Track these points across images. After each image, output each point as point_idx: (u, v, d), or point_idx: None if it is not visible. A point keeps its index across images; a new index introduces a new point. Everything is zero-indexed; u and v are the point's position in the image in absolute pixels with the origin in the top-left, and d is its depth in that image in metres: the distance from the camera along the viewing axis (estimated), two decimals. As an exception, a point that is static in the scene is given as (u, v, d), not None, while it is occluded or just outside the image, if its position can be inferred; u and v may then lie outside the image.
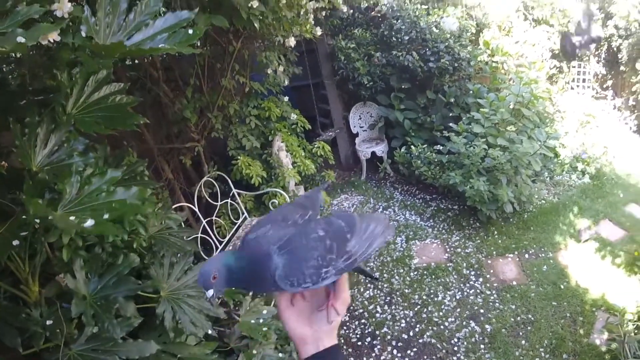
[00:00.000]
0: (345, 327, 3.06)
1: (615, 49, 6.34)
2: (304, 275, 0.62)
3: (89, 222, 1.09)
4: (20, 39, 0.84)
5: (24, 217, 1.21)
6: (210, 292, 0.62)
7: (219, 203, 3.51)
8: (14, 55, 1.44)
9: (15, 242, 1.14)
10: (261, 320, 2.23)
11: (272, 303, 3.22)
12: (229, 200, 3.65)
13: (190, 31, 1.20)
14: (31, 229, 1.25)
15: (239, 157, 3.78)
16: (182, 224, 2.18)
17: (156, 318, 1.64)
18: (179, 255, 1.91)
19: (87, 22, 1.21)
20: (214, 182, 3.54)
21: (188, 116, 3.00)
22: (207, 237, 3.25)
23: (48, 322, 1.33)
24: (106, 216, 1.14)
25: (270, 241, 0.64)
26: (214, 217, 3.44)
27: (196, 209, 3.26)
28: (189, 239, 2.05)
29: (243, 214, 3.77)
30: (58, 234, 1.39)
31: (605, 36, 6.42)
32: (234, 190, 3.74)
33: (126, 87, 1.47)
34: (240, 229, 3.62)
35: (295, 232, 0.66)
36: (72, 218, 1.14)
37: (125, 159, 1.79)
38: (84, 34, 1.23)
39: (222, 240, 3.43)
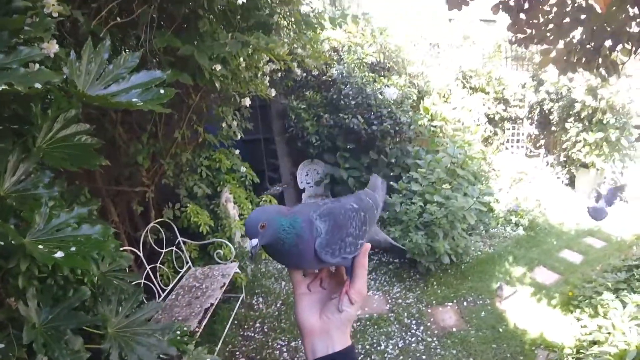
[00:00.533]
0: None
1: (547, 111, 7.20)
2: (345, 244, 0.61)
3: (59, 254, 1.15)
4: (38, 85, 0.93)
5: (-14, 239, 1.22)
6: (255, 242, 0.58)
7: (164, 250, 3.47)
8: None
9: (-21, 262, 1.15)
10: (203, 370, 2.21)
11: (215, 353, 3.16)
12: (174, 248, 3.61)
13: (162, 91, 1.34)
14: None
15: (188, 205, 3.81)
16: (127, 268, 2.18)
17: (102, 355, 1.63)
18: (125, 295, 1.91)
19: (71, 65, 1.31)
20: (160, 229, 3.52)
21: (140, 161, 3.03)
22: (150, 284, 3.18)
23: (0, 345, 1.31)
24: (73, 249, 1.19)
25: (311, 209, 0.63)
26: (157, 264, 3.38)
27: (141, 255, 3.20)
28: (132, 284, 2.06)
29: (187, 263, 3.73)
30: (16, 260, 1.39)
31: (537, 100, 7.29)
32: (180, 239, 3.71)
33: (91, 129, 1.55)
34: (184, 278, 3.57)
35: (332, 204, 0.65)
36: (40, 247, 1.18)
37: (79, 196, 1.83)
38: (65, 76, 1.33)
39: (165, 288, 3.36)
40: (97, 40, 1.46)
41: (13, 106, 1.59)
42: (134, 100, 1.23)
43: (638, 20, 2.23)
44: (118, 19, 1.78)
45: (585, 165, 6.60)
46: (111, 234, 1.34)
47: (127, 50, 2.23)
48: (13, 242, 1.26)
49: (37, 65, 1.19)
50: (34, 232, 1.23)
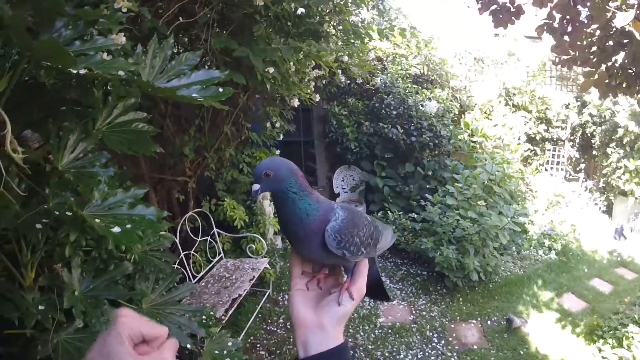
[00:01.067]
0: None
1: (589, 134, 6.97)
2: (352, 240, 0.62)
3: (117, 229, 1.26)
4: (121, 73, 1.04)
5: (45, 207, 1.36)
6: (256, 187, 0.60)
7: (199, 239, 3.62)
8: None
9: (38, 226, 1.28)
10: (225, 352, 2.30)
11: (240, 337, 3.27)
12: (208, 238, 3.76)
13: (221, 89, 1.44)
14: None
15: (225, 199, 3.96)
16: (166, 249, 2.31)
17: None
18: (162, 274, 2.03)
19: (137, 58, 1.44)
20: (197, 218, 3.68)
21: (187, 153, 3.20)
22: (183, 270, 3.33)
23: (40, 307, 1.44)
24: (129, 226, 1.30)
25: (331, 202, 0.66)
26: (191, 252, 3.54)
27: (177, 240, 3.36)
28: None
29: (220, 253, 3.87)
30: (66, 230, 1.53)
31: (580, 122, 7.05)
32: (215, 230, 3.87)
33: (148, 117, 1.68)
34: (215, 268, 3.70)
35: (351, 209, 0.67)
36: (97, 221, 1.30)
37: (126, 180, 1.97)
38: (122, 73, 1.45)
39: (196, 275, 3.51)
40: (160, 37, 1.59)
41: (77, 90, 1.75)
42: (194, 95, 1.33)
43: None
44: (180, 18, 1.92)
45: (624, 193, 6.31)
46: (164, 216, 1.44)
47: (187, 48, 2.38)
48: (69, 213, 1.40)
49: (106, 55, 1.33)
50: (91, 206, 1.36)
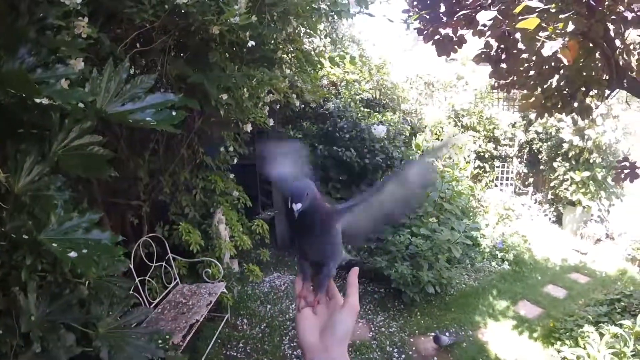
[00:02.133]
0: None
1: (536, 150, 7.46)
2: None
3: (73, 254, 1.27)
4: (80, 105, 1.08)
5: (2, 229, 1.35)
6: (299, 206, 0.66)
7: (154, 264, 3.55)
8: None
9: (-6, 250, 1.27)
10: (184, 383, 2.27)
11: None
12: (163, 264, 3.70)
13: (174, 113, 1.49)
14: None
15: (180, 223, 3.91)
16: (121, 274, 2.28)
17: (92, 353, 1.72)
18: (116, 299, 2.00)
19: (93, 82, 1.47)
20: (152, 243, 3.61)
21: (141, 176, 3.18)
22: (138, 297, 3.25)
23: (-1, 331, 1.40)
24: (85, 251, 1.31)
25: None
26: (147, 278, 3.46)
27: (131, 266, 3.28)
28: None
29: (176, 279, 3.80)
30: (22, 254, 1.51)
31: (527, 140, 7.56)
32: (170, 255, 3.81)
33: (103, 141, 1.70)
34: (171, 293, 3.63)
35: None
36: (54, 245, 1.30)
37: (81, 204, 1.95)
38: (87, 90, 1.48)
39: (152, 301, 3.42)
40: (116, 61, 1.63)
41: (33, 113, 1.75)
42: (147, 119, 1.37)
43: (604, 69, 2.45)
44: (138, 45, 1.97)
45: (572, 203, 6.77)
46: (119, 241, 1.45)
47: (143, 73, 2.41)
48: (25, 236, 1.39)
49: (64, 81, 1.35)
50: (48, 230, 1.36)
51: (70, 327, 1.64)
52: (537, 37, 2.17)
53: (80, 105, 1.40)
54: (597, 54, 2.40)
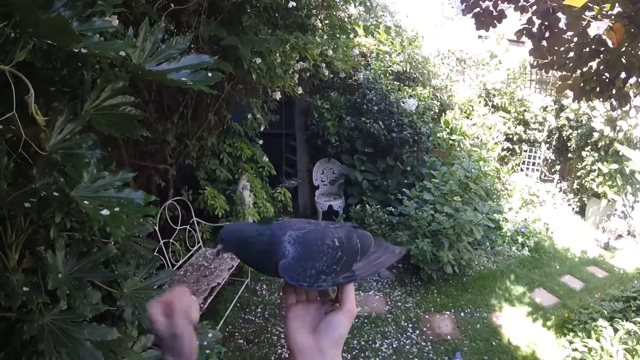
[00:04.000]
0: (283, 364, 3.15)
1: (565, 137, 7.18)
2: (304, 274, 0.62)
3: (105, 211, 1.26)
4: (122, 53, 1.05)
5: (33, 186, 1.36)
6: (220, 246, 0.64)
7: (178, 227, 3.61)
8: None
9: (27, 205, 1.28)
10: (205, 343, 2.32)
11: (219, 325, 3.30)
12: (187, 227, 3.76)
13: (210, 74, 1.45)
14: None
15: (206, 188, 3.95)
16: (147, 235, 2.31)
17: (116, 312, 1.76)
18: (143, 260, 2.03)
19: (129, 40, 1.44)
20: (177, 206, 3.66)
21: (169, 140, 3.18)
22: (161, 258, 3.32)
23: (25, 289, 1.43)
24: (117, 209, 1.30)
25: (290, 229, 0.65)
26: (171, 240, 3.53)
27: (156, 229, 3.35)
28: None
29: (199, 242, 3.87)
30: (52, 212, 1.53)
31: (557, 125, 7.28)
32: (195, 219, 3.86)
33: (136, 101, 1.68)
34: (194, 257, 3.71)
35: (313, 230, 0.66)
36: (86, 202, 1.30)
37: (111, 164, 1.96)
38: (123, 53, 1.45)
39: (175, 263, 3.50)
40: (150, 21, 1.59)
41: (65, 71, 1.74)
42: (183, 79, 1.34)
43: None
44: (172, 5, 1.92)
45: (597, 195, 6.55)
46: (152, 200, 1.44)
47: (176, 34, 2.37)
48: (56, 193, 1.40)
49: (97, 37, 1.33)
50: (80, 188, 1.36)
51: (96, 286, 1.68)
52: (583, 15, 2.04)
53: (119, 58, 1.37)
54: None
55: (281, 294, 0.66)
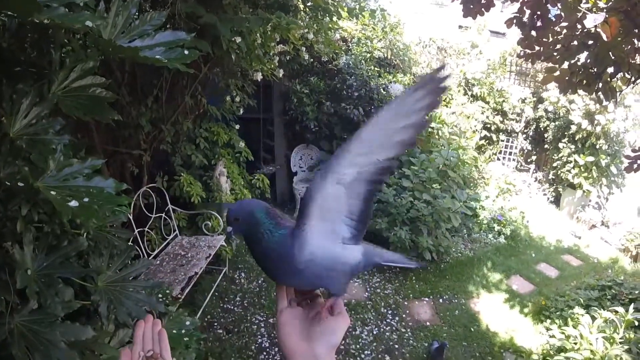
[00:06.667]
0: (265, 354, 3.11)
1: (542, 129, 7.33)
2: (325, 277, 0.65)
3: (74, 203, 1.16)
4: (89, 23, 0.95)
5: (-6, 178, 1.24)
6: (229, 229, 0.64)
7: (153, 215, 3.49)
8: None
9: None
10: (183, 331, 2.25)
11: (197, 315, 3.22)
12: (163, 215, 3.64)
13: (186, 52, 1.35)
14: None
15: (182, 174, 3.82)
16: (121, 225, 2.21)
17: (90, 307, 1.66)
18: (117, 250, 1.93)
19: (99, 14, 1.32)
20: (152, 194, 3.53)
21: (143, 124, 3.04)
22: (137, 247, 3.21)
23: (-9, 289, 1.33)
24: (86, 200, 1.20)
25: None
26: (145, 229, 3.40)
27: (130, 217, 3.22)
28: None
29: (175, 230, 3.75)
30: (18, 203, 1.41)
31: (535, 117, 7.42)
32: (170, 206, 3.74)
33: (106, 83, 1.56)
34: (170, 245, 3.60)
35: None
36: (53, 193, 1.19)
37: (80, 150, 1.84)
38: (90, 24, 1.33)
39: (150, 253, 3.39)
40: (124, -5, 1.47)
41: (32, 51, 1.60)
42: (158, 57, 1.24)
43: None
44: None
45: (572, 186, 6.73)
46: (122, 189, 1.35)
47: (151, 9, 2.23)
48: (21, 183, 1.29)
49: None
50: (47, 177, 1.25)
51: (67, 281, 1.57)
52: (578, 7, 2.03)
53: (89, 34, 1.25)
54: (634, 38, 2.24)
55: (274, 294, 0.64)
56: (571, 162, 6.66)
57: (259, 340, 3.20)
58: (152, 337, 0.65)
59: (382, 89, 5.21)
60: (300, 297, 0.70)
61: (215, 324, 3.32)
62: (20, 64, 1.42)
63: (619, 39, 2.12)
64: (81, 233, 1.76)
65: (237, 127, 4.55)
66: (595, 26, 1.89)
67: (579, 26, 2.09)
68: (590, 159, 6.42)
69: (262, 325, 3.35)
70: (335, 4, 3.02)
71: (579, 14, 1.94)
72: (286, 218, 0.66)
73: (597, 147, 6.45)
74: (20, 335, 1.29)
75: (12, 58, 1.43)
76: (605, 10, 1.82)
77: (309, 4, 2.91)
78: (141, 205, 3.40)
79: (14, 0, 0.83)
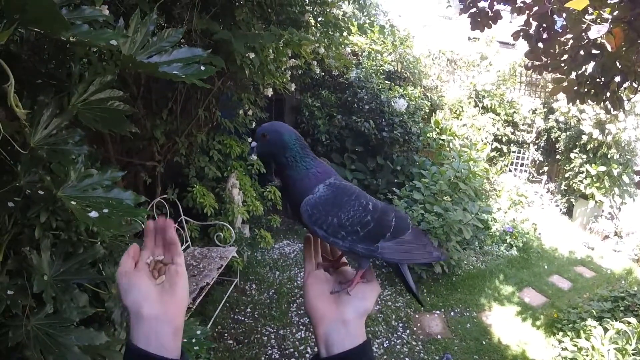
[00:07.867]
0: (273, 365, 3.11)
1: (553, 139, 7.29)
2: (324, 219, 0.59)
3: (94, 213, 1.20)
4: (113, 42, 1.00)
5: (17, 184, 1.29)
6: (254, 144, 0.62)
7: (166, 226, 3.53)
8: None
9: (11, 204, 1.22)
10: (194, 340, 2.27)
11: (208, 326, 3.24)
12: (175, 226, 3.68)
13: (203, 68, 1.40)
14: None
15: (195, 185, 3.88)
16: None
17: (104, 314, 1.70)
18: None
19: (119, 31, 1.38)
20: (165, 205, 3.59)
21: (157, 136, 3.11)
22: (150, 257, 3.25)
23: (9, 292, 1.37)
24: (105, 211, 1.24)
25: (332, 175, 0.62)
26: (159, 239, 3.44)
27: (143, 227, 3.27)
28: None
29: (187, 241, 3.80)
30: (37, 211, 1.46)
31: (546, 127, 7.38)
32: (183, 217, 3.79)
33: (124, 96, 1.62)
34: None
35: (353, 187, 0.64)
36: (73, 203, 1.24)
37: (97, 161, 1.90)
38: (115, 43, 1.39)
39: (163, 263, 3.42)
40: (141, 12, 1.54)
41: (52, 64, 1.67)
42: (175, 72, 1.28)
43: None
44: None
45: (584, 196, 6.66)
46: (141, 201, 1.39)
47: (168, 27, 2.30)
48: (41, 192, 1.34)
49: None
50: (66, 187, 1.30)
51: (82, 288, 1.61)
52: (582, 19, 2.04)
53: (108, 49, 1.30)
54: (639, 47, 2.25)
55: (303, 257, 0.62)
56: (583, 172, 6.61)
57: (269, 352, 3.19)
58: (163, 242, 0.61)
59: (392, 102, 5.25)
60: (328, 264, 0.67)
61: (226, 334, 3.33)
62: (40, 75, 1.49)
63: (624, 48, 2.13)
64: (97, 241, 1.81)
65: (250, 139, 4.61)
66: (601, 37, 1.90)
67: (584, 37, 2.10)
68: (602, 168, 6.36)
69: (273, 336, 3.35)
70: (346, 19, 3.08)
71: (584, 25, 1.96)
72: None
73: (609, 156, 6.39)
74: (36, 338, 1.32)
75: (32, 69, 1.50)
76: (609, 21, 1.84)
77: (320, 19, 2.97)
78: (154, 216, 3.45)
79: (44, 19, 0.88)
